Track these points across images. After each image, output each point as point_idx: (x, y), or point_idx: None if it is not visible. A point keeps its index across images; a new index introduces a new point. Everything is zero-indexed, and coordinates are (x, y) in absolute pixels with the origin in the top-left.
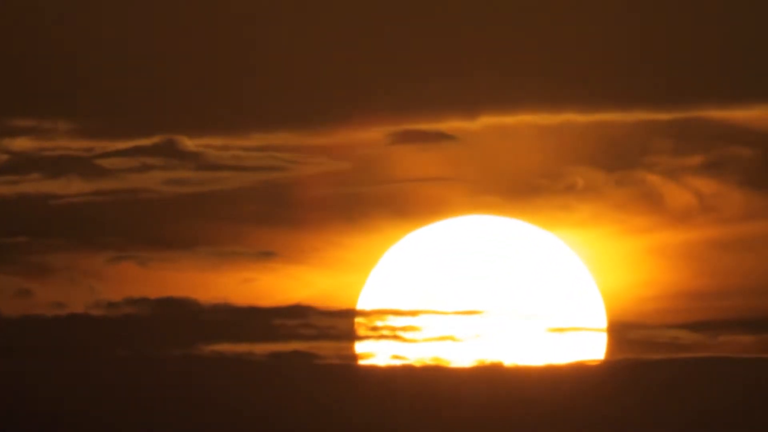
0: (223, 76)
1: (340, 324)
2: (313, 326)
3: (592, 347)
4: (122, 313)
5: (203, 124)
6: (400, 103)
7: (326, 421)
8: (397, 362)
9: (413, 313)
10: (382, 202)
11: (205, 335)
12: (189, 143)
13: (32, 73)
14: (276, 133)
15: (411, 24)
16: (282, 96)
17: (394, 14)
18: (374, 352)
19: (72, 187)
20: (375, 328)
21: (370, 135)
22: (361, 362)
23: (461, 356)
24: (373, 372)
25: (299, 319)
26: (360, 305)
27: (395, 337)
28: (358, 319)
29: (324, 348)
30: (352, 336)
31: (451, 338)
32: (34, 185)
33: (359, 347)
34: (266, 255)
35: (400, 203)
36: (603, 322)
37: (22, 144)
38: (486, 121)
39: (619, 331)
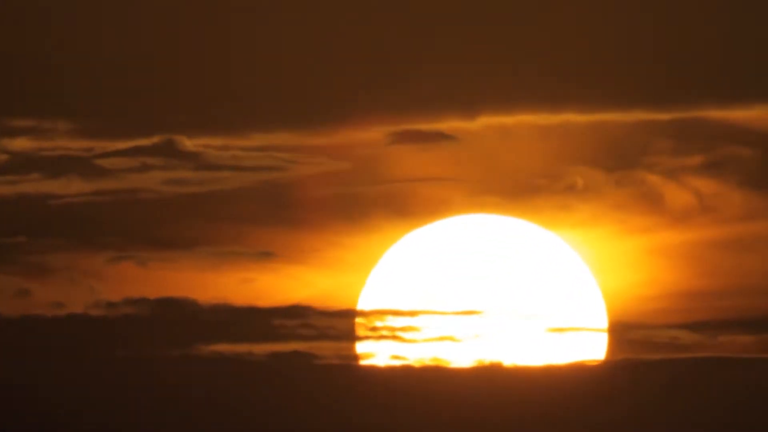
0: (222, 76)
1: (340, 324)
2: (313, 326)
3: (592, 347)
4: (122, 313)
5: (203, 124)
6: (399, 103)
7: (326, 422)
8: (397, 362)
9: (413, 314)
10: (381, 202)
11: (204, 335)
12: (188, 143)
13: (32, 73)
14: (276, 133)
15: (411, 24)
16: (282, 96)
17: (394, 14)
18: (374, 353)
19: (72, 187)
20: (375, 329)
21: (369, 135)
22: (361, 362)
23: (461, 356)
24: (373, 372)
25: (299, 319)
26: (360, 305)
27: (395, 338)
28: (357, 320)
29: (324, 348)
30: (351, 336)
31: (451, 338)
32: (33, 185)
33: (359, 347)
34: (266, 255)
35: (399, 203)
36: (603, 322)
37: (21, 144)
38: (485, 121)
39: (619, 331)
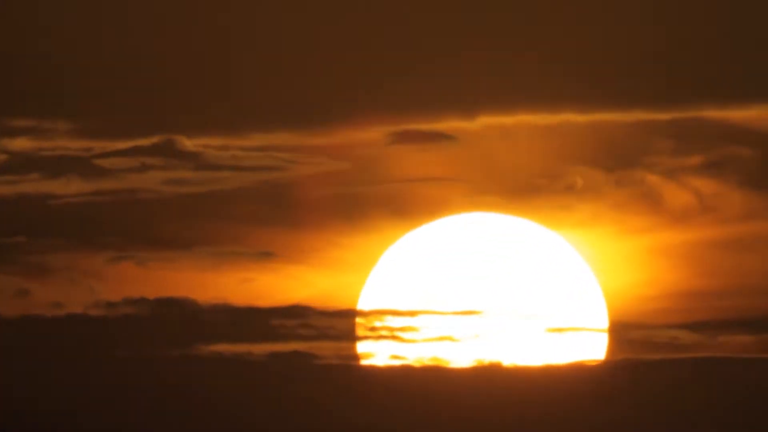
0: (222, 76)
1: (340, 324)
2: (313, 326)
3: (592, 347)
4: (121, 313)
5: (202, 124)
6: (399, 103)
7: (326, 421)
8: (397, 362)
9: (412, 314)
10: (381, 202)
11: (204, 335)
12: (188, 143)
13: (32, 73)
14: (275, 133)
15: (410, 24)
16: (282, 96)
17: (394, 14)
18: (374, 353)
19: (71, 187)
20: (374, 329)
21: (369, 135)
22: (361, 362)
23: (460, 356)
24: (373, 372)
25: (298, 319)
26: (359, 305)
27: (394, 338)
28: (357, 320)
29: (323, 348)
30: (351, 336)
31: (450, 338)
32: (33, 185)
33: (359, 347)
34: (265, 255)
35: (399, 203)
36: (604, 322)
37: (21, 144)
38: (485, 121)
39: (619, 331)
